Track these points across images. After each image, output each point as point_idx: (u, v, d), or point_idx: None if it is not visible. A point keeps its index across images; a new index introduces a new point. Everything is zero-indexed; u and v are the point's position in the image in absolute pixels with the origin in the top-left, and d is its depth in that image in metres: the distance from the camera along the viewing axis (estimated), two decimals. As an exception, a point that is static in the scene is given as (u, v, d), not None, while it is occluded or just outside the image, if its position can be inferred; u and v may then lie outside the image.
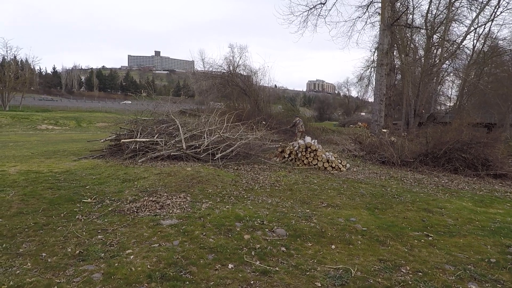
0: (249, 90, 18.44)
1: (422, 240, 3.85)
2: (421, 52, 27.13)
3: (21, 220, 3.66)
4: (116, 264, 2.75)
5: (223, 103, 18.97)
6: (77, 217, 3.93)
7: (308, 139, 9.60)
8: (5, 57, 41.94)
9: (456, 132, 10.06)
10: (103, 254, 2.94)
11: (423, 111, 25.15)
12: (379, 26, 24.22)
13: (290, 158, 9.34)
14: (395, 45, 24.24)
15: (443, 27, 22.95)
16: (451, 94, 35.10)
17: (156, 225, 3.79)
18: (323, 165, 8.89)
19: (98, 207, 4.36)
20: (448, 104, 35.26)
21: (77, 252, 2.95)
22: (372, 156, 10.83)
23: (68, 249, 3.02)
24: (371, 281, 2.78)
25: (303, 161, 9.07)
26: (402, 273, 2.96)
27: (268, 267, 2.91)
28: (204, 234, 3.60)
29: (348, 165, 9.40)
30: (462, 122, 10.76)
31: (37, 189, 5.01)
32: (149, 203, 4.76)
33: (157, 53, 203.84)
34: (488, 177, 9.05)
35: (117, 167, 7.09)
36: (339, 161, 9.19)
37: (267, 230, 3.89)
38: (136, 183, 5.77)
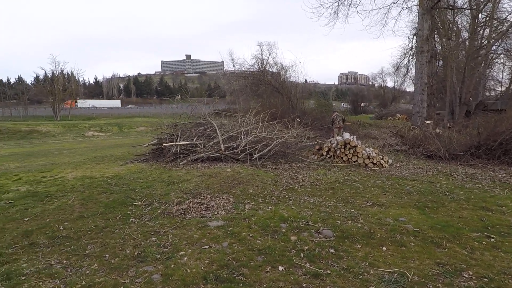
0: (282, 88, 18.33)
1: (483, 242, 3.59)
2: (464, 34, 25.14)
3: (83, 223, 3.97)
4: (172, 266, 2.88)
5: (255, 102, 19.08)
6: (131, 219, 4.18)
7: (346, 135, 9.35)
8: (54, 72, 45.56)
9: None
10: (159, 256, 3.09)
11: (470, 98, 23.30)
12: (417, 11, 22.88)
13: (328, 155, 9.16)
14: (436, 29, 22.67)
15: (491, 5, 21.03)
16: (502, 78, 32.06)
17: (204, 227, 3.91)
18: (363, 162, 8.61)
19: (148, 210, 4.60)
20: (499, 89, 32.30)
21: (136, 253, 3.14)
22: (416, 150, 10.27)
23: (127, 250, 3.22)
24: (431, 286, 2.64)
25: (342, 158, 8.85)
26: (464, 278, 2.78)
27: (319, 270, 2.89)
28: (251, 235, 3.65)
29: (390, 161, 9.01)
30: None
31: (93, 193, 5.40)
32: (195, 204, 4.93)
33: (188, 56, 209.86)
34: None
35: (161, 170, 7.42)
36: (381, 157, 8.84)
37: (313, 231, 3.86)
38: (180, 185, 5.99)
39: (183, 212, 4.54)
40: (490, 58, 25.31)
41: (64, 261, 2.95)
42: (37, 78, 50.63)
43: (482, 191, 6.22)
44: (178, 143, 8.41)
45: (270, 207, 4.81)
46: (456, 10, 21.95)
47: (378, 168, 8.40)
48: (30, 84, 57.46)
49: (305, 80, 23.87)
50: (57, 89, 43.56)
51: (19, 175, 7.17)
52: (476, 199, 5.58)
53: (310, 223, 4.09)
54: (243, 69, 22.51)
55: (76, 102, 49.62)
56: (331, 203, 5.18)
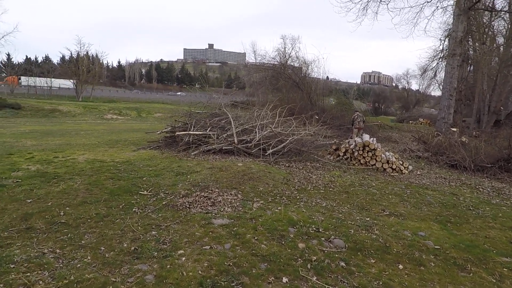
0: (302, 83, 17.85)
1: (514, 269, 3.21)
2: (499, 40, 23.72)
3: (85, 210, 3.85)
4: (168, 266, 2.69)
5: (274, 95, 18.69)
6: (133, 209, 4.03)
7: (366, 137, 8.91)
8: (79, 53, 46.47)
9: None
10: (156, 253, 2.91)
11: (501, 107, 22.03)
12: (452, 11, 21.67)
13: (345, 156, 8.77)
14: (470, 32, 21.43)
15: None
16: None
17: (207, 224, 3.71)
18: (382, 166, 8.18)
19: (153, 200, 4.45)
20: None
21: (133, 248, 2.97)
22: (439, 158, 9.71)
23: (124, 244, 3.06)
24: (454, 318, 2.33)
25: (359, 160, 8.45)
26: (493, 312, 2.45)
27: (327, 286, 2.62)
28: (256, 238, 3.42)
29: (410, 167, 8.54)
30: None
31: (100, 178, 5.31)
32: (201, 198, 4.74)
33: (211, 46, 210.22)
34: None
35: (172, 159, 7.29)
36: (400, 162, 8.38)
37: (323, 239, 3.58)
38: (189, 176, 5.82)
39: (188, 206, 4.35)
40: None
41: (58, 251, 2.81)
42: (63, 58, 51.95)
43: (510, 209, 5.74)
44: (191, 132, 8.25)
45: (279, 207, 4.55)
46: (494, 12, 20.65)
47: (397, 174, 7.96)
48: (56, 63, 59.17)
49: (327, 76, 23.25)
50: (81, 70, 44.54)
51: (33, 153, 7.22)
52: (504, 217, 5.13)
53: (320, 230, 3.81)
54: (264, 61, 22.14)
55: (19, 79, 48.23)
56: (345, 209, 4.86)
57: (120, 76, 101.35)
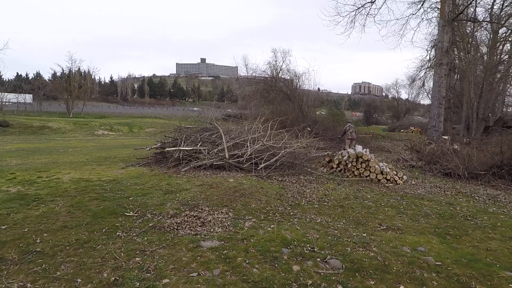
0: (293, 95, 17.88)
1: (520, 286, 3.05)
2: (482, 49, 24.38)
3: (64, 236, 3.60)
4: (150, 299, 2.46)
5: (265, 108, 18.65)
6: (117, 233, 3.78)
7: (359, 148, 8.82)
8: (71, 69, 46.24)
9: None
10: (138, 284, 2.67)
11: (489, 114, 22.38)
12: (436, 23, 22.22)
13: (338, 168, 8.64)
14: (454, 42, 21.95)
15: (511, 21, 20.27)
16: (522, 95, 30.81)
17: (196, 247, 3.49)
18: (376, 177, 8.07)
19: (139, 222, 4.21)
20: (517, 106, 31.08)
21: (113, 279, 2.73)
22: (433, 167, 9.65)
23: (104, 273, 2.82)
24: None
25: (353, 172, 8.32)
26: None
27: (324, 315, 2.41)
28: (247, 262, 3.21)
29: (405, 177, 8.44)
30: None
31: (84, 199, 5.05)
32: (190, 218, 4.52)
33: (203, 60, 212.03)
34: None
35: (161, 176, 7.06)
36: (395, 173, 8.29)
37: (319, 259, 3.38)
38: (178, 195, 5.60)
39: (176, 227, 4.12)
40: (509, 74, 24.43)
41: (29, 285, 2.56)
42: (54, 75, 51.50)
43: (508, 217, 5.63)
44: (181, 148, 8.05)
45: (272, 225, 4.35)
46: (477, 23, 21.23)
47: (391, 185, 7.84)
48: (47, 80, 58.52)
49: (318, 88, 23.37)
50: (73, 86, 44.14)
51: (16, 173, 6.92)
52: (503, 227, 5.01)
53: (316, 249, 3.62)
54: (256, 74, 22.21)
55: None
56: (340, 224, 4.69)
57: (112, 91, 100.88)
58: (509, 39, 22.50)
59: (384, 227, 4.68)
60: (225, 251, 3.42)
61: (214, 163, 7.64)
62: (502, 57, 23.22)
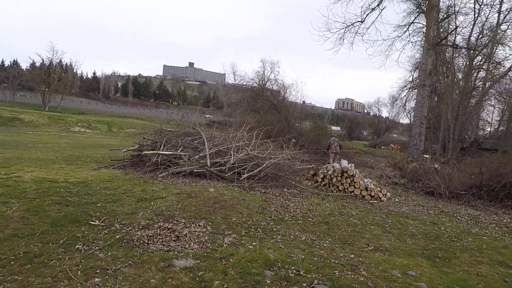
0: (280, 105, 17.73)
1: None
2: (459, 75, 25.53)
3: (11, 247, 3.08)
4: (106, 333, 2.03)
5: (251, 117, 18.39)
6: (77, 246, 3.30)
7: (344, 162, 8.66)
8: (52, 60, 44.28)
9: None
10: (93, 313, 2.23)
11: (466, 136, 23.18)
12: (419, 46, 23.05)
13: (323, 183, 8.42)
14: (436, 66, 22.81)
15: (487, 50, 21.35)
16: (492, 119, 32.41)
17: (167, 267, 3.06)
18: (360, 193, 7.89)
19: (104, 233, 3.73)
20: (488, 130, 32.62)
21: (62, 305, 2.27)
22: (415, 185, 9.64)
23: (53, 298, 2.35)
24: None
25: (338, 187, 8.11)
26: None
27: None
28: (225, 286, 2.82)
29: (388, 194, 8.32)
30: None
31: (44, 203, 4.50)
32: (164, 231, 4.08)
33: (191, 64, 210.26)
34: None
35: (135, 181, 6.54)
36: (379, 189, 8.15)
37: (305, 285, 3.04)
38: (152, 203, 5.13)
39: (146, 241, 3.68)
40: (483, 99, 25.60)
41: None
42: (33, 64, 49.10)
43: (491, 239, 5.56)
44: (160, 152, 7.58)
45: (254, 243, 3.99)
46: (456, 51, 22.18)
47: (375, 202, 7.68)
48: (24, 69, 55.69)
49: (303, 101, 23.40)
50: (52, 78, 42.13)
51: (-30, 170, 6.22)
52: (489, 249, 4.89)
53: (301, 272, 3.28)
54: (243, 82, 21.99)
55: None
56: (326, 244, 4.38)
57: (94, 87, 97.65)
58: (483, 67, 23.73)
59: (372, 247, 4.42)
60: (201, 273, 3.02)
61: (194, 171, 7.20)
62: (476, 83, 24.40)
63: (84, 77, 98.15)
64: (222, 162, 7.56)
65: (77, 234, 3.60)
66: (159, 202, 5.20)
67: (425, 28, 21.70)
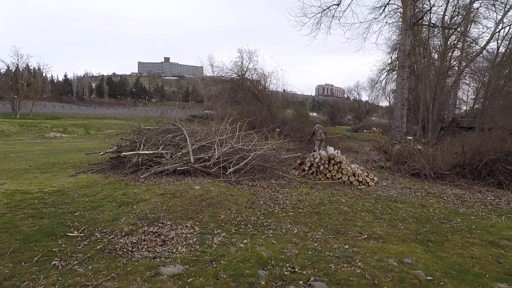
0: (262, 95, 17.49)
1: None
2: (434, 55, 26.04)
3: (-23, 271, 2.78)
4: None
5: (233, 108, 18.06)
6: (53, 262, 3.03)
7: (331, 149, 8.60)
8: (18, 66, 42.07)
9: (498, 141, 8.89)
10: None
11: (445, 115, 23.80)
12: (397, 27, 23.26)
13: (311, 171, 8.34)
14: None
15: (461, 28, 21.80)
16: (467, 97, 33.45)
17: (154, 276, 2.85)
18: (348, 179, 7.87)
19: (84, 245, 3.46)
20: (464, 108, 33.68)
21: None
22: (401, 168, 9.74)
23: (26, 326, 2.10)
24: None
25: (325, 174, 8.06)
26: None
27: None
28: (218, 292, 2.65)
29: (375, 179, 8.35)
30: (505, 130, 9.55)
31: (15, 218, 4.15)
32: (149, 236, 3.85)
33: (167, 59, 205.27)
34: (541, 193, 7.86)
35: (116, 185, 6.22)
36: (366, 174, 8.15)
37: (301, 282, 2.91)
38: (135, 207, 4.86)
39: (130, 248, 3.44)
40: (459, 79, 26.28)
41: None
42: (-2, 71, 46.47)
43: (479, 218, 5.63)
44: (141, 152, 7.24)
45: (245, 240, 3.82)
46: (431, 30, 22.54)
47: (364, 187, 7.68)
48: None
49: (284, 89, 23.27)
50: (20, 84, 40.12)
51: None
52: (478, 229, 4.93)
53: (296, 269, 3.15)
54: (222, 74, 21.52)
55: None
56: (319, 235, 4.28)
57: (67, 90, 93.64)
58: (458, 46, 24.29)
59: (365, 235, 4.35)
60: (191, 279, 2.83)
61: (177, 168, 6.93)
62: (451, 63, 24.98)
63: (55, 81, 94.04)
64: (206, 158, 7.32)
65: (54, 249, 3.32)
66: (143, 205, 4.94)
67: (401, 9, 21.94)
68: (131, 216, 4.48)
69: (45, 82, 69.54)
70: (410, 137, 14.89)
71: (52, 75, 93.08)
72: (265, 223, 4.63)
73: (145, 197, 5.35)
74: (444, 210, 6.11)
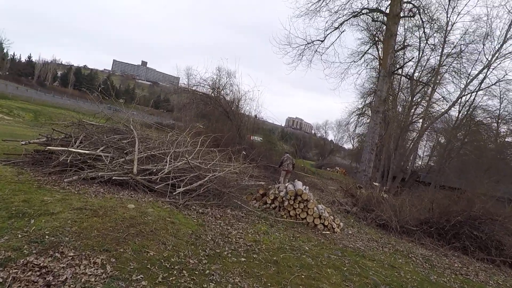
0: (233, 113, 16.58)
1: None
2: (398, 108, 27.36)
3: None
4: None
5: (201, 122, 16.88)
6: None
7: (299, 184, 7.72)
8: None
9: (467, 203, 8.59)
10: None
11: (407, 167, 24.49)
12: (370, 76, 24.23)
13: (273, 205, 7.34)
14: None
15: (429, 89, 23.10)
16: (423, 153, 35.41)
17: None
18: (313, 221, 6.97)
19: None
20: (419, 163, 35.48)
21: None
22: (367, 216, 9.08)
23: None
24: None
25: (289, 212, 7.10)
26: None
27: None
28: None
29: (341, 224, 7.54)
30: (474, 192, 9.35)
31: None
32: (30, 273, 2.56)
33: (144, 63, 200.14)
34: (505, 266, 7.49)
35: (25, 185, 4.74)
36: (332, 218, 7.32)
37: None
38: (32, 221, 3.49)
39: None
40: (422, 135, 27.66)
41: None
42: None
43: (451, 290, 4.91)
44: (73, 149, 5.83)
45: (172, 299, 2.65)
46: (401, 85, 23.80)
47: (329, 233, 6.80)
48: None
49: (255, 115, 22.63)
50: (-30, 54, 35.90)
51: None
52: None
53: None
54: (197, 84, 20.39)
55: None
56: (275, 298, 3.21)
57: (27, 72, 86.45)
58: (421, 104, 25.75)
59: (333, 306, 3.35)
60: None
61: (114, 177, 5.58)
62: (413, 118, 26.33)
63: (17, 60, 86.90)
64: (154, 170, 6.06)
65: None
66: (44, 221, 3.58)
67: (376, 59, 22.89)
68: (20, 236, 3.13)
69: (3, 58, 63.45)
70: (377, 184, 14.62)
71: (14, 53, 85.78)
72: (207, 271, 3.48)
73: (54, 209, 3.96)
74: (416, 275, 5.35)
